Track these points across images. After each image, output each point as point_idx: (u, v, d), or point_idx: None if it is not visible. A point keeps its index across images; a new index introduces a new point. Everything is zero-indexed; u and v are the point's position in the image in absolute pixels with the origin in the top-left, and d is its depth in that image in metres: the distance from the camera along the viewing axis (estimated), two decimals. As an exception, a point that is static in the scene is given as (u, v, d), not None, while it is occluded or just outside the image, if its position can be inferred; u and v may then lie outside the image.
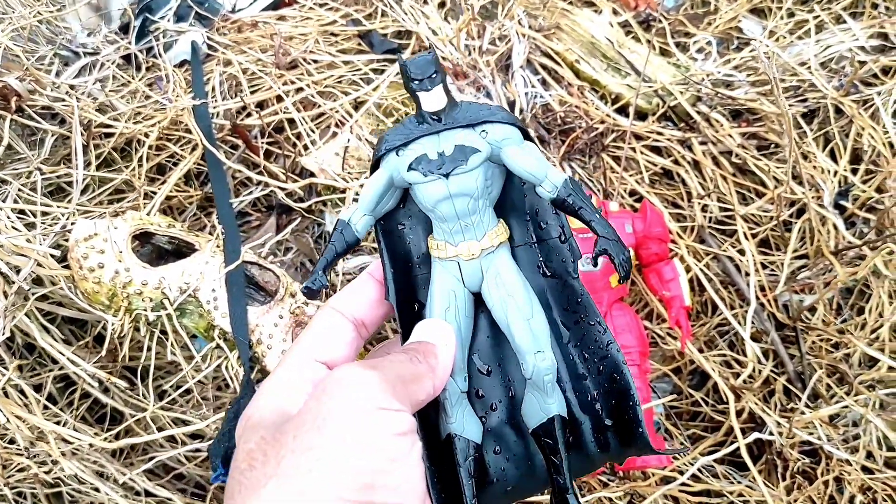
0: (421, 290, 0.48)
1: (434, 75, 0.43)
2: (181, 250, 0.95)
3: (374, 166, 0.46)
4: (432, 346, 0.43)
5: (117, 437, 0.95)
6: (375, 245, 1.09)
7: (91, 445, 0.90)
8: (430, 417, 0.44)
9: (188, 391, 1.02)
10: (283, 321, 0.90)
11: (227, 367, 0.90)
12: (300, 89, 1.15)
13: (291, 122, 1.14)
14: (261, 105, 1.17)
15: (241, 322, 0.89)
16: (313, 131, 1.13)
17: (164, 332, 0.91)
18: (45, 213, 0.98)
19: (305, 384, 0.41)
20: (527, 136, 0.45)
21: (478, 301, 0.47)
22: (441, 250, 0.46)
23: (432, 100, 0.43)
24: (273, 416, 0.39)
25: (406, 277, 0.47)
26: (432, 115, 0.44)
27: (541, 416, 0.44)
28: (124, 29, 1.33)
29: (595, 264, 0.45)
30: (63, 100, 1.09)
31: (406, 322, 0.46)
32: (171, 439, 0.97)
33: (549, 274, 0.47)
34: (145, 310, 0.89)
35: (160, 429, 0.99)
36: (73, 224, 0.91)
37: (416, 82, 0.43)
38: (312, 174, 1.07)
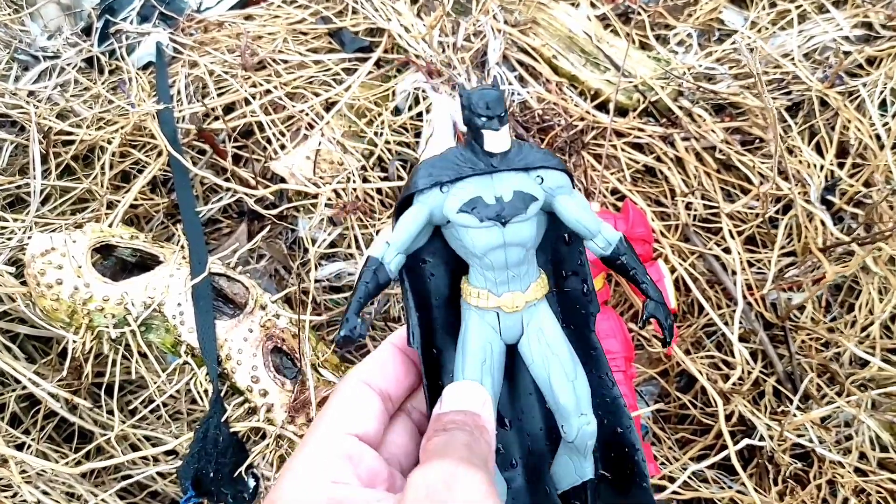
0: (439, 334, 0.45)
1: (504, 114, 0.40)
2: (146, 262, 0.91)
3: (408, 199, 0.42)
4: (479, 417, 0.39)
5: (87, 456, 0.92)
6: (350, 251, 1.06)
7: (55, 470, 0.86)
8: None
9: (158, 407, 0.98)
10: (252, 335, 0.86)
11: (195, 384, 0.86)
12: (269, 91, 1.10)
13: (261, 125, 1.10)
14: (229, 108, 1.13)
15: (209, 337, 0.85)
16: (283, 134, 1.09)
17: (129, 348, 0.87)
18: (0, 227, 0.93)
19: (343, 460, 0.37)
20: (573, 184, 0.43)
21: None
22: (482, 299, 0.42)
23: (499, 140, 0.40)
24: (319, 500, 0.35)
25: (425, 320, 0.44)
26: (489, 153, 0.41)
27: (574, 479, 0.43)
28: (87, 31, 1.29)
29: (642, 327, 0.43)
30: (21, 107, 1.05)
31: (427, 371, 0.43)
32: (144, 457, 0.93)
33: (567, 325, 0.45)
34: (107, 326, 0.85)
35: (132, 446, 0.95)
36: (29, 238, 0.87)
37: (485, 119, 0.40)
38: (283, 179, 1.03)
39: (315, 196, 1.01)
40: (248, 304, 0.88)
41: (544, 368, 0.42)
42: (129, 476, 0.91)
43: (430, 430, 0.38)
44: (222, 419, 0.84)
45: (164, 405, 1.00)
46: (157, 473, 0.95)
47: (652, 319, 0.42)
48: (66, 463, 0.88)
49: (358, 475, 0.37)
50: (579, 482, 0.43)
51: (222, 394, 0.86)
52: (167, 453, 0.94)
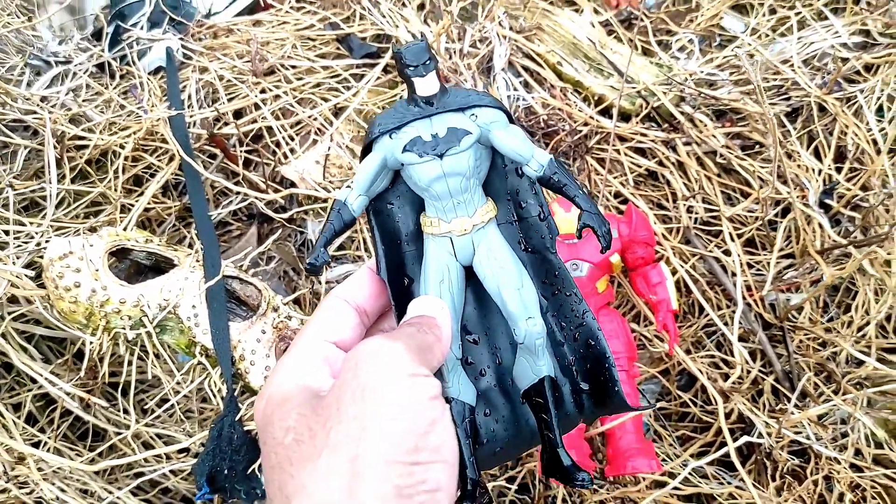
0: (410, 266, 0.50)
1: (428, 61, 0.45)
2: (160, 265, 0.94)
3: (367, 149, 0.48)
4: (432, 318, 0.45)
5: (101, 454, 0.94)
6: (358, 253, 1.08)
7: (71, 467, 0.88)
8: None
9: (172, 407, 1.00)
10: (265, 336, 0.88)
11: (209, 384, 0.89)
12: (278, 96, 1.13)
13: (271, 129, 1.12)
14: (239, 113, 1.15)
15: (224, 338, 0.87)
16: (292, 139, 1.11)
17: (144, 349, 0.89)
18: (18, 232, 0.95)
19: (321, 362, 0.43)
20: (511, 120, 0.48)
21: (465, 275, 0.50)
22: (434, 227, 0.48)
23: (427, 85, 0.46)
24: (301, 393, 0.41)
25: (396, 254, 0.50)
26: (425, 99, 0.46)
27: (532, 378, 0.47)
28: (97, 36, 1.31)
29: (579, 236, 0.47)
30: (35, 112, 1.07)
31: (397, 297, 0.48)
32: (157, 455, 0.95)
33: (529, 250, 0.50)
34: (124, 328, 0.87)
35: (145, 444, 0.97)
36: (47, 242, 0.89)
37: (412, 68, 0.45)
38: (293, 184, 1.06)
39: (325, 200, 1.03)
40: (261, 306, 0.91)
41: (495, 281, 0.47)
42: (142, 474, 0.93)
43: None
44: (236, 418, 0.86)
45: (178, 404, 1.02)
46: (170, 471, 0.96)
47: (586, 229, 0.46)
48: (82, 461, 0.90)
49: (333, 374, 0.43)
50: (536, 380, 0.46)
51: (236, 393, 0.88)
52: (180, 451, 0.96)
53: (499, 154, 0.48)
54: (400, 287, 0.49)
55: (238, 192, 1.06)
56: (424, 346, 0.42)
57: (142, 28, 1.27)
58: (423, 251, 0.49)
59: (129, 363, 0.90)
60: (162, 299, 0.88)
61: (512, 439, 0.48)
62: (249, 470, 0.87)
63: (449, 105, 0.46)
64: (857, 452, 0.98)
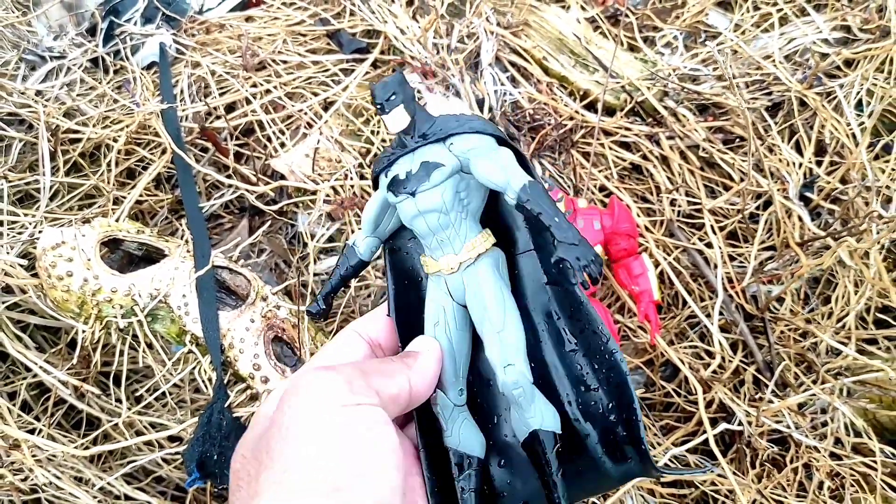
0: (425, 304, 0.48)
1: (392, 97, 0.43)
2: (151, 256, 0.95)
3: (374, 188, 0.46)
4: (414, 353, 0.43)
5: (94, 442, 0.95)
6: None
7: (65, 453, 0.89)
8: (435, 429, 0.44)
9: (164, 395, 1.02)
10: (254, 325, 0.90)
11: (199, 372, 0.90)
12: (269, 91, 1.14)
13: (262, 123, 1.14)
14: (231, 107, 1.17)
15: (213, 327, 0.89)
16: (283, 133, 1.13)
17: (136, 337, 0.90)
18: (12, 222, 0.97)
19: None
20: (502, 142, 0.44)
21: None
22: (430, 266, 0.45)
23: (392, 121, 0.44)
24: (257, 430, 0.39)
25: (413, 293, 0.48)
26: (403, 134, 0.44)
27: (522, 431, 0.43)
28: (91, 31, 1.32)
29: (555, 270, 0.43)
30: (29, 105, 1.09)
31: (407, 336, 0.46)
32: (149, 443, 0.97)
33: (549, 281, 0.46)
34: (115, 317, 0.89)
35: (138, 433, 0.99)
36: (40, 232, 0.91)
37: (378, 106, 0.44)
38: (283, 176, 1.07)
39: (314, 192, 1.05)
40: (250, 296, 0.92)
41: (479, 324, 0.44)
42: (135, 461, 0.95)
43: None
44: (226, 405, 0.88)
45: (170, 393, 1.03)
46: (162, 459, 0.98)
47: (562, 263, 0.40)
48: (80, 446, 0.92)
49: None
50: (526, 433, 0.43)
51: (225, 381, 0.90)
52: (171, 439, 0.98)
53: None
54: (414, 327, 0.46)
55: (230, 185, 1.08)
56: (376, 371, 0.40)
57: (135, 24, 1.28)
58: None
59: (122, 352, 0.92)
60: (153, 288, 0.90)
61: (538, 493, 0.44)
62: (239, 456, 0.88)
63: (432, 136, 0.44)
64: (837, 441, 0.99)
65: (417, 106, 0.44)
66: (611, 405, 0.43)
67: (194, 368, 0.91)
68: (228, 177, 1.10)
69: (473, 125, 0.44)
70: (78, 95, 1.17)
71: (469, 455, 0.43)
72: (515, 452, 0.45)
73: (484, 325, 0.43)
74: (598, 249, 0.97)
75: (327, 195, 1.04)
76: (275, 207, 1.06)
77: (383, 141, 1.12)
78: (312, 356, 0.45)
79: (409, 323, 0.47)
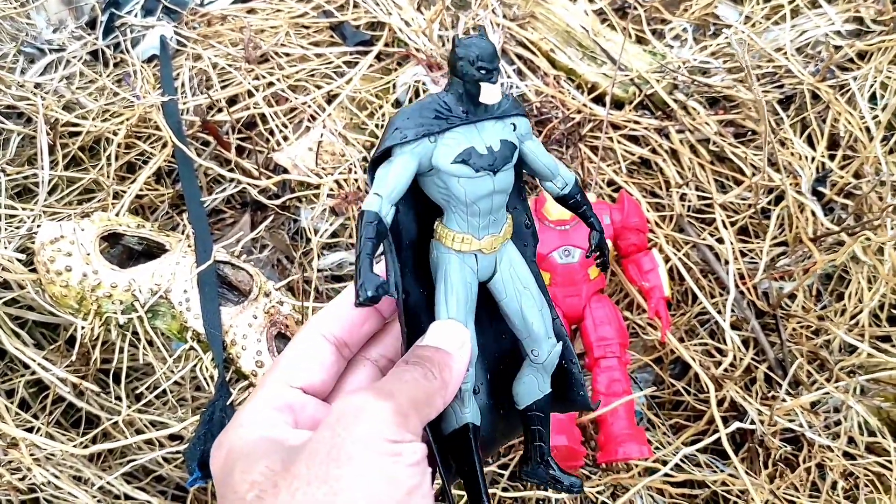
0: (407, 276, 0.45)
1: (498, 68, 0.41)
2: (152, 251, 0.94)
3: (386, 153, 0.42)
4: (448, 355, 0.42)
5: (94, 440, 0.93)
6: (352, 241, 1.08)
7: (63, 452, 0.88)
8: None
9: (165, 393, 1.00)
10: (257, 321, 0.88)
11: (201, 369, 0.89)
12: (271, 84, 1.13)
13: (264, 116, 1.12)
14: (233, 100, 1.15)
15: (215, 323, 0.87)
16: (286, 126, 1.11)
17: (136, 334, 0.89)
18: (10, 216, 0.95)
19: (285, 411, 0.40)
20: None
21: None
22: (465, 243, 0.44)
23: (495, 93, 0.41)
24: (267, 445, 0.38)
25: (404, 270, 0.46)
26: (484, 107, 0.41)
27: (537, 394, 0.47)
28: (91, 24, 1.30)
29: (588, 256, 0.48)
30: (28, 98, 1.07)
31: (413, 320, 0.44)
32: (150, 441, 0.95)
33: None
34: (115, 312, 0.87)
35: (138, 431, 0.97)
36: (38, 227, 0.89)
37: (484, 71, 0.40)
38: (286, 170, 1.06)
39: (317, 187, 1.03)
40: (253, 292, 0.91)
41: (516, 301, 0.45)
42: (134, 460, 0.93)
43: (401, 360, 0.41)
44: (228, 402, 0.86)
45: (171, 391, 1.02)
46: (164, 458, 0.96)
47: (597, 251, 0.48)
48: (80, 444, 0.90)
49: (298, 422, 0.40)
50: (541, 396, 0.47)
51: (227, 378, 0.88)
52: (172, 438, 0.96)
53: None
54: (414, 306, 0.45)
55: (231, 180, 1.06)
56: (422, 398, 0.39)
57: (136, 16, 1.27)
58: (441, 266, 0.44)
59: (122, 349, 0.90)
60: (153, 284, 0.88)
61: (491, 432, 0.48)
62: (240, 454, 0.86)
63: (490, 111, 0.42)
64: (850, 440, 0.98)
65: None
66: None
67: (196, 365, 0.89)
68: (231, 171, 1.09)
69: (523, 109, 0.44)
70: (77, 88, 1.15)
71: (476, 426, 0.45)
72: (484, 417, 0.47)
73: (524, 303, 0.45)
74: (608, 245, 0.96)
75: (331, 189, 1.02)
76: (277, 202, 1.04)
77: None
78: (273, 362, 0.44)
79: (409, 303, 0.45)
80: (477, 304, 0.45)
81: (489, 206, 0.43)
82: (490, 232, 0.44)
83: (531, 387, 0.47)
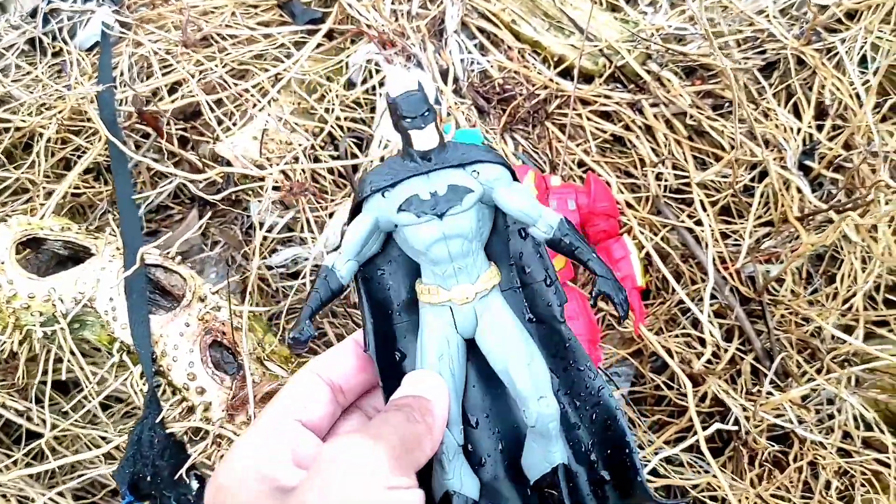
0: (402, 339, 0.46)
1: (427, 113, 0.41)
2: (78, 255, 0.87)
3: (356, 209, 0.44)
4: (427, 401, 0.41)
5: (38, 457, 0.88)
6: (303, 235, 1.01)
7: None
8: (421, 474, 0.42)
9: (109, 405, 0.94)
10: (189, 329, 0.81)
11: (131, 384, 0.82)
12: (212, 69, 1.05)
13: (209, 105, 1.04)
14: (174, 87, 1.08)
15: (143, 333, 0.81)
16: (233, 114, 1.04)
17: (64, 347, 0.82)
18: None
19: (285, 448, 0.39)
20: (515, 178, 0.44)
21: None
22: (432, 295, 0.44)
23: (425, 138, 0.42)
24: (261, 484, 0.37)
25: (386, 326, 0.46)
26: (422, 154, 0.42)
27: (544, 467, 0.43)
28: (33, 13, 1.23)
29: (594, 304, 0.44)
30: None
31: (386, 374, 0.44)
32: (99, 456, 0.90)
33: (534, 319, 0.45)
34: (35, 325, 0.80)
35: (95, 445, 0.91)
36: (-50, 234, 0.82)
37: (409, 120, 0.41)
38: (229, 162, 0.98)
39: (261, 179, 0.96)
40: (186, 296, 0.84)
41: (500, 356, 0.43)
42: (84, 475, 0.88)
43: (381, 411, 0.41)
44: (157, 420, 0.80)
45: (120, 401, 0.96)
46: (111, 474, 0.91)
47: (602, 296, 0.43)
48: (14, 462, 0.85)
49: (296, 458, 0.39)
50: (549, 469, 0.42)
51: (160, 392, 0.82)
52: (106, 456, 0.90)
53: (500, 214, 0.44)
54: (390, 363, 0.45)
55: (169, 174, 0.99)
56: (411, 441, 0.38)
57: (75, 2, 1.19)
58: (420, 322, 0.45)
59: (46, 361, 0.84)
60: (77, 292, 0.82)
61: None
62: (177, 475, 0.80)
63: (448, 160, 0.43)
64: (845, 436, 0.93)
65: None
66: (591, 443, 0.43)
67: (126, 380, 0.83)
68: (176, 164, 1.01)
69: (494, 156, 0.44)
70: (12, 80, 1.08)
71: (469, 498, 0.42)
72: (501, 494, 0.44)
73: (508, 358, 0.43)
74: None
75: (276, 181, 0.94)
76: (219, 196, 0.97)
77: (338, 119, 1.03)
78: (271, 400, 0.42)
79: (386, 358, 0.45)
80: (484, 366, 0.44)
81: (446, 253, 0.42)
82: (459, 281, 0.43)
83: (536, 457, 0.43)
